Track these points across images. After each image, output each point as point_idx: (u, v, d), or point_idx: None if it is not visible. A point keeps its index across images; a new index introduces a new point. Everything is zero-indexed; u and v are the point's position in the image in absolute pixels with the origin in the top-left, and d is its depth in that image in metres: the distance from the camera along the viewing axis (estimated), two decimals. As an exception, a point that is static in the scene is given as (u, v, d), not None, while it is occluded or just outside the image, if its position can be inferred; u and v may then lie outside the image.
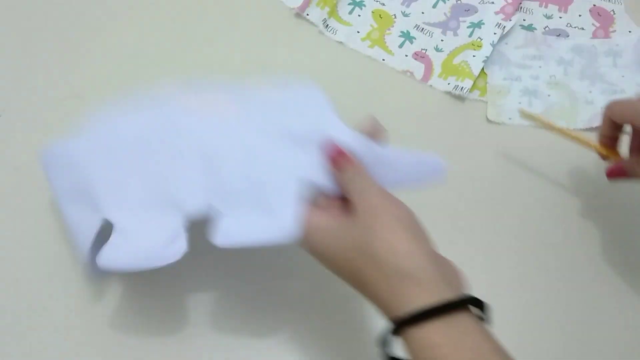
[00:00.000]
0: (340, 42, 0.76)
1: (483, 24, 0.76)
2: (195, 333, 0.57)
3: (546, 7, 0.80)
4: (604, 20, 0.79)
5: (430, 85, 0.73)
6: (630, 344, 0.59)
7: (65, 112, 0.69)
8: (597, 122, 0.69)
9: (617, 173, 0.61)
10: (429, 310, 0.38)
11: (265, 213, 0.49)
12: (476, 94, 0.72)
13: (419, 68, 0.74)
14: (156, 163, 0.53)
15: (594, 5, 0.80)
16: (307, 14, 0.77)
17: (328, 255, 0.44)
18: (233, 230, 0.49)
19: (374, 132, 0.50)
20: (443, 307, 0.38)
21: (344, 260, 0.43)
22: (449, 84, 0.72)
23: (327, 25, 0.76)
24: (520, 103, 0.71)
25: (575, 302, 0.60)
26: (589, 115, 0.70)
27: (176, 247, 0.49)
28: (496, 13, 0.77)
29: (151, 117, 0.55)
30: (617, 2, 0.80)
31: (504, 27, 0.75)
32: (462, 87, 0.71)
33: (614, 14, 0.79)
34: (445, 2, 0.79)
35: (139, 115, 0.55)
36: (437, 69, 0.74)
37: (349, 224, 0.43)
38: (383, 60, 0.75)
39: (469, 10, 0.78)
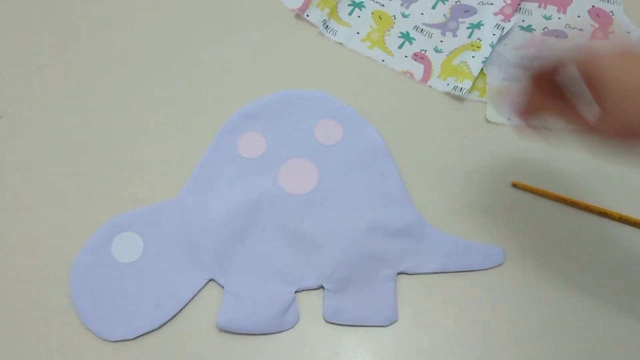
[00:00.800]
0: (340, 43, 0.76)
1: (482, 25, 0.77)
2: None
3: (545, 8, 0.80)
4: (602, 21, 0.79)
5: (430, 86, 0.73)
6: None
7: (67, 112, 0.70)
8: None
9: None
10: None
11: (367, 298, 0.59)
12: (475, 94, 0.73)
13: (418, 69, 0.74)
14: (257, 237, 0.62)
15: (593, 6, 0.80)
16: (307, 15, 0.77)
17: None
18: (341, 312, 0.59)
19: None
20: None
21: None
22: (448, 84, 0.73)
23: (327, 26, 0.77)
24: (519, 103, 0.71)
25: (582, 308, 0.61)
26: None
27: (291, 317, 0.59)
28: (495, 14, 0.77)
29: (253, 191, 0.63)
30: (615, 3, 0.80)
31: (503, 28, 0.76)
32: (462, 88, 0.71)
33: (613, 14, 0.79)
34: (444, 3, 0.80)
35: (244, 186, 0.64)
36: (436, 69, 0.74)
37: None
38: (383, 61, 0.75)
39: (468, 11, 0.79)
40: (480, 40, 0.75)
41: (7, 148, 0.68)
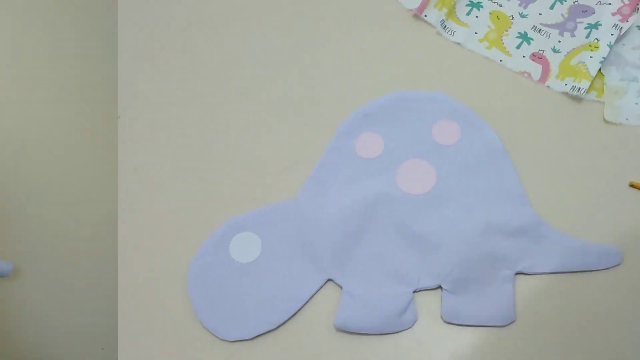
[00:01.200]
0: (458, 43, 0.77)
1: (600, 25, 0.77)
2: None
3: (664, 7, 0.79)
4: None
5: (548, 86, 0.74)
6: None
7: (185, 113, 0.73)
8: None
9: None
10: None
11: (485, 298, 0.60)
12: (593, 94, 0.73)
13: (536, 69, 0.75)
14: (374, 237, 0.63)
15: None
16: (425, 15, 0.79)
17: None
18: (459, 312, 0.60)
19: None
20: None
21: None
22: (566, 84, 0.73)
23: (445, 27, 0.78)
24: (637, 104, 0.72)
25: None
26: None
27: (408, 317, 0.60)
28: (613, 14, 0.77)
29: (370, 191, 0.65)
30: None
31: (621, 28, 0.75)
32: (580, 88, 0.72)
33: None
34: (562, 3, 0.80)
35: (361, 186, 0.65)
36: (554, 69, 0.75)
37: None
38: (500, 61, 0.76)
39: (587, 11, 0.79)
40: (598, 41, 0.75)
41: (124, 148, 0.71)
